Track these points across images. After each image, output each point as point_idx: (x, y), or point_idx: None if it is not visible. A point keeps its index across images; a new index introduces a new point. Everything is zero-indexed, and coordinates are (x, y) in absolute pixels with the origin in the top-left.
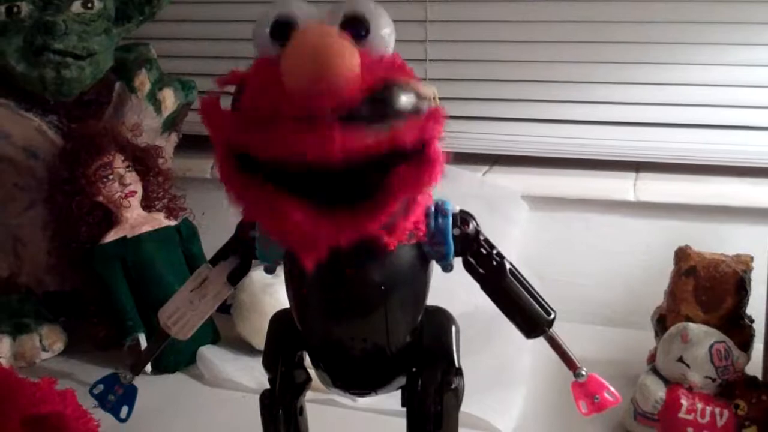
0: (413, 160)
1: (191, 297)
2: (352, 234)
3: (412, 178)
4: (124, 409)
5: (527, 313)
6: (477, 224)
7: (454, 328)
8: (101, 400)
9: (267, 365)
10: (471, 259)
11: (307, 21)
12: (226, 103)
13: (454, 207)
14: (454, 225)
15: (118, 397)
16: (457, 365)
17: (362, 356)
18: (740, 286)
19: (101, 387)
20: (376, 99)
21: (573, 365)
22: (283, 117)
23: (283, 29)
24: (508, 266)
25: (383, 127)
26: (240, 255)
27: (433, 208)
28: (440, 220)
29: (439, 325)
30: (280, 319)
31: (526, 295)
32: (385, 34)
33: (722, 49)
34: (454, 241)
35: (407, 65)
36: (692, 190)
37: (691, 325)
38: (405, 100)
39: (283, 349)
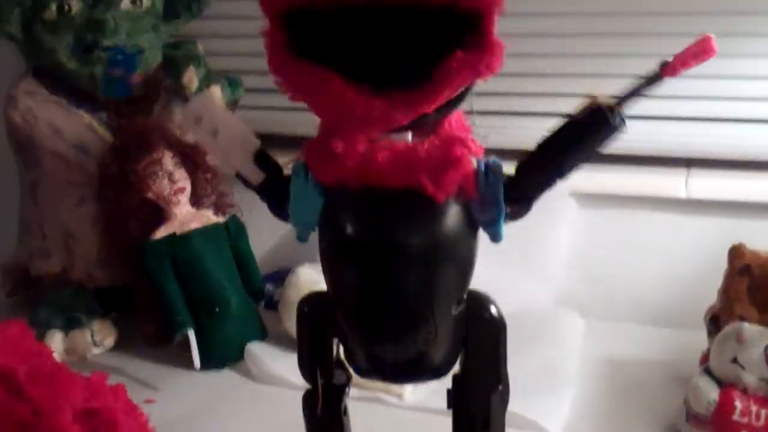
0: (472, 47)
1: None
2: (407, 112)
3: (470, 63)
4: None
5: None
6: None
7: (501, 336)
8: None
9: (305, 377)
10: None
11: None
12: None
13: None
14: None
15: None
16: (503, 370)
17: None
18: None
19: None
20: None
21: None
22: None
23: None
24: None
25: None
26: (274, 182)
27: (483, 166)
28: (491, 178)
29: (484, 330)
30: (308, 306)
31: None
32: None
33: None
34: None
35: None
36: (745, 187)
37: (747, 324)
38: None
39: (318, 354)
